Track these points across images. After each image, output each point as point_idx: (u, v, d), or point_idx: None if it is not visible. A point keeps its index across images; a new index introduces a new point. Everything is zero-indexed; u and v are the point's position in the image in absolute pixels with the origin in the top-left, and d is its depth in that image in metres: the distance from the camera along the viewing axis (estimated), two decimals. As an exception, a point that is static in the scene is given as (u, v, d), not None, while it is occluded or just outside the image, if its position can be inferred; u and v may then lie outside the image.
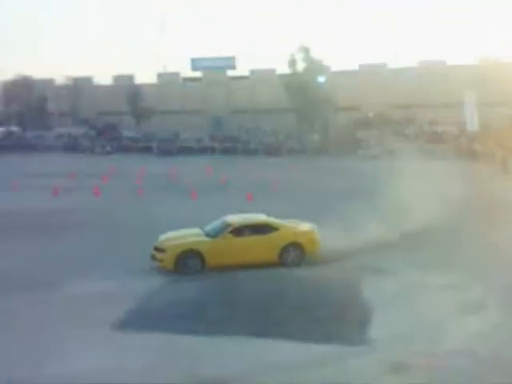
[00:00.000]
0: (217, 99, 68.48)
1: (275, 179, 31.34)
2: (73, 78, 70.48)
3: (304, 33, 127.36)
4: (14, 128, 62.74)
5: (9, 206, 24.92)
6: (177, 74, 72.38)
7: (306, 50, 58.22)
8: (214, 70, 69.33)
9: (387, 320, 11.22)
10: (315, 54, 58.38)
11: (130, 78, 70.22)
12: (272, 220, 15.93)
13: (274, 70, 66.63)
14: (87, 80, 71.84)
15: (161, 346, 10.43)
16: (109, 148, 54.84)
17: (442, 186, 25.05)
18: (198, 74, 71.91)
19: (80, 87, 68.98)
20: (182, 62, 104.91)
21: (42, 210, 24.02)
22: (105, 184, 31.12)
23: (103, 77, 75.42)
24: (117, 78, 72.06)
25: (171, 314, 11.82)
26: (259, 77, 67.75)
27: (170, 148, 53.61)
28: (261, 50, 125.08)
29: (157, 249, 15.12)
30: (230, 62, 69.91)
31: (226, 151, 53.02)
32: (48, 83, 70.90)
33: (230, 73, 70.91)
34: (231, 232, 15.29)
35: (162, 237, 15.65)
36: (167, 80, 71.04)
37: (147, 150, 54.27)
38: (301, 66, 58.92)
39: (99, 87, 72.52)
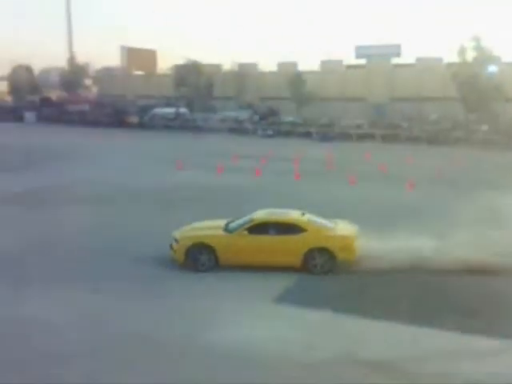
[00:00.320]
0: (379, 86, 67.18)
1: (439, 168, 30.13)
2: (239, 64, 73.10)
3: (470, 22, 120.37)
4: (183, 109, 66.45)
5: (176, 182, 26.60)
6: (339, 62, 72.04)
7: (477, 40, 55.14)
8: (379, 57, 68.11)
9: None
10: (487, 43, 55.09)
11: (294, 65, 71.26)
12: (302, 219, 14.13)
13: (441, 59, 64.14)
14: (252, 66, 74.11)
15: (321, 323, 10.74)
16: (270, 132, 56.24)
17: None
18: (361, 61, 71.07)
19: (245, 73, 71.29)
20: (345, 49, 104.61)
21: (206, 186, 25.39)
22: (264, 165, 32.01)
23: (268, 64, 77.52)
24: (281, 65, 73.56)
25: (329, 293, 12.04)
26: (425, 65, 65.41)
27: (330, 134, 53.71)
28: (425, 38, 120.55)
29: (175, 239, 14.17)
30: (396, 50, 68.26)
31: (386, 138, 51.78)
32: (216, 68, 74.29)
33: (395, 60, 69.26)
34: (247, 229, 13.88)
35: (187, 227, 14.80)
36: (330, 67, 71.04)
37: (307, 135, 54.91)
38: (471, 55, 55.93)
39: (263, 74, 74.45)
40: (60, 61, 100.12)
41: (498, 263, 13.31)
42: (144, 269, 13.66)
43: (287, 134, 55.93)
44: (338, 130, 55.46)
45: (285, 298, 11.97)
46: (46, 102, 76.26)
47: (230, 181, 26.77)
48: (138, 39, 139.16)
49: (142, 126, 61.74)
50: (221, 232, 14.06)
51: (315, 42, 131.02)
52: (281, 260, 13.61)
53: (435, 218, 17.96)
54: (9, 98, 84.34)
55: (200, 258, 13.66)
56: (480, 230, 14.05)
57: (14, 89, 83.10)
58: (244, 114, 62.97)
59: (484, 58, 54.75)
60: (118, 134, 50.39)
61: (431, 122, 56.89)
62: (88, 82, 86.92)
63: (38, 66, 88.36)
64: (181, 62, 72.87)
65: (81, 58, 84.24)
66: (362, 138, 52.57)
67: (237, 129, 58.20)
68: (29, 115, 68.29)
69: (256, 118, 62.35)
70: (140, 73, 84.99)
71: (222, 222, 14.65)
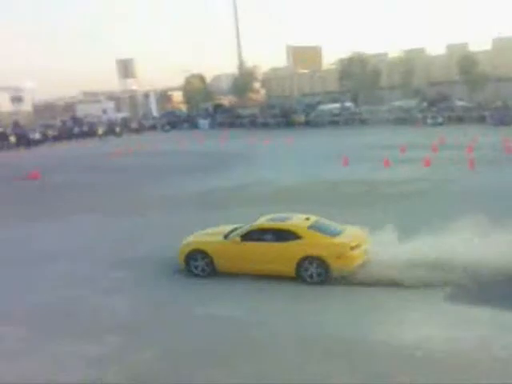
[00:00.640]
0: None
1: None
2: (405, 51, 71.00)
3: None
4: (348, 104, 66.15)
5: (341, 177, 26.63)
6: (512, 39, 66.88)
7: None
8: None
9: None
10: None
11: (464, 45, 67.54)
12: (298, 225, 13.23)
13: None
14: (419, 51, 71.58)
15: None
16: (440, 119, 53.87)
17: None
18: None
19: (412, 59, 69.03)
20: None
21: (372, 180, 25.12)
22: (434, 155, 30.84)
23: (435, 47, 74.36)
24: (450, 47, 70.16)
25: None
26: None
27: (506, 117, 50.01)
28: None
29: None
30: None
31: None
32: (381, 57, 72.86)
33: None
34: (241, 236, 13.40)
35: (202, 231, 14.72)
36: (503, 45, 66.19)
37: (480, 119, 51.73)
38: None
39: (431, 58, 71.54)
40: (230, 67, 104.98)
41: None
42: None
43: (459, 119, 53.16)
44: (515, 112, 51.51)
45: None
46: (219, 108, 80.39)
47: (396, 174, 26.22)
48: (304, 37, 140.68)
49: (308, 123, 62.57)
50: (219, 239, 13.83)
51: (486, 19, 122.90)
52: (274, 268, 13.01)
53: None
54: (183, 107, 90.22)
55: (197, 265, 13.62)
56: None
57: (188, 98, 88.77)
58: (411, 103, 60.96)
59: None
60: (284, 134, 51.59)
61: None
62: (257, 84, 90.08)
63: (209, 73, 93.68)
64: (345, 55, 72.72)
65: (249, 62, 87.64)
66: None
67: (405, 118, 56.52)
68: (202, 122, 72.54)
69: (424, 105, 60.05)
70: (305, 71, 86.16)
71: (229, 228, 14.37)
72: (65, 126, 73.81)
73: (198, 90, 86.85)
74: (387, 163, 28.84)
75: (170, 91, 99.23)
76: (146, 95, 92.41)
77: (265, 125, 65.42)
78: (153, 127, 73.51)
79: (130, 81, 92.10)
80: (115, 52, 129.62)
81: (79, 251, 16.37)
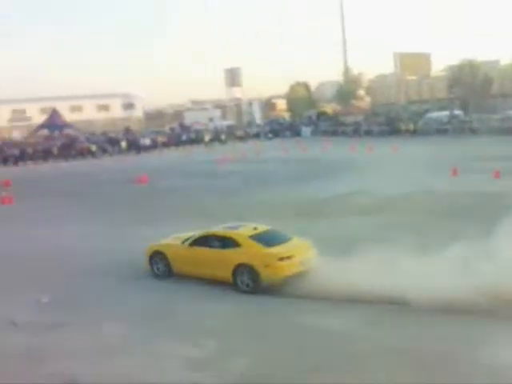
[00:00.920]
0: None
1: None
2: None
3: None
4: (457, 112, 63.73)
5: (450, 189, 25.57)
6: None
7: None
8: None
9: None
10: None
11: None
12: (239, 233, 13.84)
13: None
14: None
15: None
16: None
17: None
18: None
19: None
20: None
21: (486, 192, 23.96)
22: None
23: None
24: None
25: None
26: None
27: None
28: None
29: None
30: None
31: None
32: (493, 65, 69.71)
33: None
34: (190, 241, 14.41)
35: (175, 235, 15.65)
36: None
37: None
38: None
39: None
40: (335, 74, 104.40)
41: None
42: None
43: None
44: None
45: None
46: (322, 116, 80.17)
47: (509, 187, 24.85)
48: (412, 44, 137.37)
49: (415, 132, 60.86)
50: (176, 243, 14.83)
51: None
52: (216, 273, 13.73)
53: None
54: (287, 115, 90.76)
55: (157, 267, 14.71)
56: None
57: (292, 105, 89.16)
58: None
59: None
60: (389, 142, 50.47)
61: None
62: (361, 92, 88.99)
63: (313, 81, 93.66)
64: (455, 62, 70.34)
65: (354, 69, 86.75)
66: None
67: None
68: (305, 130, 72.61)
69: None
70: (413, 78, 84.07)
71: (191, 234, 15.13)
72: (173, 132, 76.41)
73: (301, 98, 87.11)
74: (497, 175, 27.44)
75: (274, 99, 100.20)
76: (250, 103, 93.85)
77: (369, 133, 64.41)
78: (256, 135, 74.49)
79: (236, 89, 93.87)
80: (222, 61, 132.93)
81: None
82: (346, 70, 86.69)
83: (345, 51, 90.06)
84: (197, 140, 68.82)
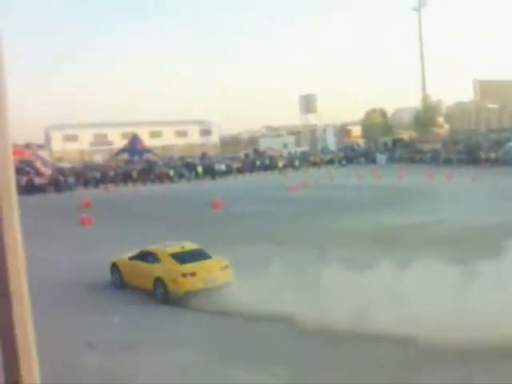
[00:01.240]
0: None
1: None
2: None
3: None
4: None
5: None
6: None
7: None
8: None
9: None
10: None
11: None
12: (161, 251, 16.06)
13: None
14: None
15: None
16: None
17: None
18: None
19: None
20: None
21: None
22: None
23: None
24: None
25: None
26: None
27: None
28: None
29: None
30: None
31: None
32: None
33: None
34: (132, 256, 16.74)
35: None
36: None
37: None
38: None
39: None
40: (413, 100, 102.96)
41: None
42: None
43: None
44: None
45: None
46: (398, 142, 78.99)
47: None
48: (492, 71, 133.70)
49: (496, 161, 58.86)
50: (126, 257, 16.93)
51: None
52: (144, 284, 15.83)
53: None
54: (362, 141, 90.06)
55: (114, 278, 16.92)
56: None
57: (367, 132, 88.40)
58: None
59: None
60: (468, 171, 49.05)
61: None
62: (440, 119, 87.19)
63: (390, 107, 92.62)
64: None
65: (433, 96, 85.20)
66: None
67: None
68: (380, 157, 71.76)
69: None
70: (493, 105, 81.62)
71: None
72: (247, 158, 77.36)
73: (377, 124, 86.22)
74: None
75: (349, 125, 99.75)
76: (325, 129, 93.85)
77: (447, 161, 62.93)
78: (330, 161, 74.27)
79: (310, 115, 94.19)
80: (297, 88, 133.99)
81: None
82: (425, 97, 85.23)
83: (423, 77, 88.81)
84: (271, 166, 69.33)
